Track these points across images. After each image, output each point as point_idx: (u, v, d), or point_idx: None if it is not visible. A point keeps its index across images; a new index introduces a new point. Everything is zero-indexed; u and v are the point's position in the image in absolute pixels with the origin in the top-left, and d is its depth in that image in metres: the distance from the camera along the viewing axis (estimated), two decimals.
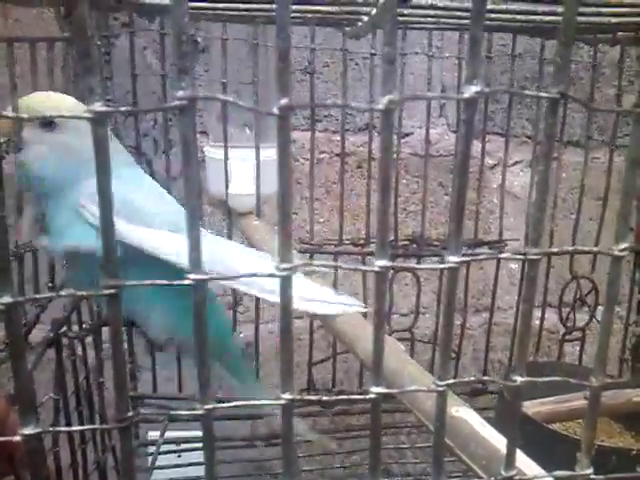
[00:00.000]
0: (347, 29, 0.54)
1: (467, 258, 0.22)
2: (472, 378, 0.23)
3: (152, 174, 0.72)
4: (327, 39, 0.78)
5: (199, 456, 0.78)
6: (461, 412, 0.32)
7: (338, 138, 0.87)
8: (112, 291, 0.20)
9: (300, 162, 0.87)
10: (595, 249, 0.23)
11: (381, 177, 0.22)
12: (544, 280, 0.81)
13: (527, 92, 0.20)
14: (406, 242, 0.74)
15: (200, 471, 0.76)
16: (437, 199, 0.93)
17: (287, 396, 0.23)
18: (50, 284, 0.53)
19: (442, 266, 0.22)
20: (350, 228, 0.87)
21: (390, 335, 0.76)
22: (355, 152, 0.89)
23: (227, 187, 0.64)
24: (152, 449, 0.75)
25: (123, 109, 0.19)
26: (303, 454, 0.80)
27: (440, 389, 0.24)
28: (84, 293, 0.20)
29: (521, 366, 0.25)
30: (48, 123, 0.41)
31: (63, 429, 0.29)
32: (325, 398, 0.23)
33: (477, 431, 0.30)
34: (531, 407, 0.63)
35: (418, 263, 0.76)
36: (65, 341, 0.48)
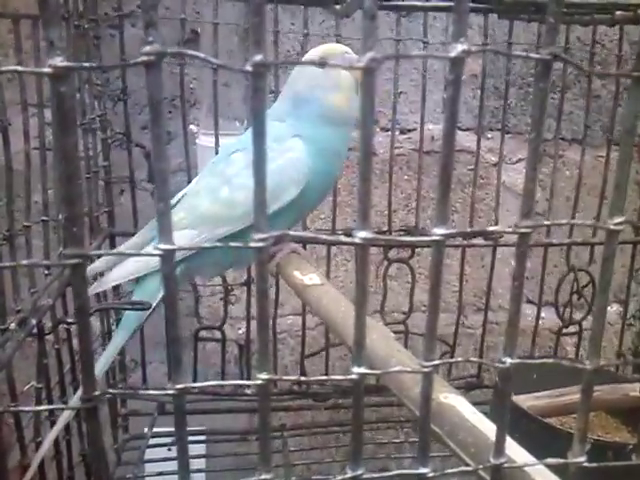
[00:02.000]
0: (337, 7, 0.53)
1: (453, 230, 0.21)
2: (459, 359, 0.22)
3: (150, 166, 0.71)
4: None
5: (191, 449, 0.77)
6: (450, 399, 0.30)
7: None
8: (76, 261, 0.19)
9: None
10: (589, 222, 0.22)
11: (363, 143, 0.21)
12: (540, 275, 0.80)
13: (516, 53, 0.19)
14: (400, 232, 0.73)
15: (191, 465, 0.75)
16: None
17: (264, 376, 0.22)
18: (46, 271, 0.52)
19: (428, 238, 0.21)
20: (354, 225, 0.85)
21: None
22: (358, 147, 0.87)
23: None
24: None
25: (86, 65, 0.18)
26: (295, 448, 0.78)
27: (426, 370, 0.23)
28: (46, 263, 0.19)
29: (511, 348, 0.24)
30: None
31: (26, 409, 0.28)
32: (303, 379, 0.22)
33: (466, 418, 0.29)
34: (526, 401, 0.62)
35: (412, 254, 0.74)
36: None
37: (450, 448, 0.29)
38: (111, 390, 0.39)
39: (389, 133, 0.74)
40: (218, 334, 0.74)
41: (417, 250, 0.82)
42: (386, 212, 0.72)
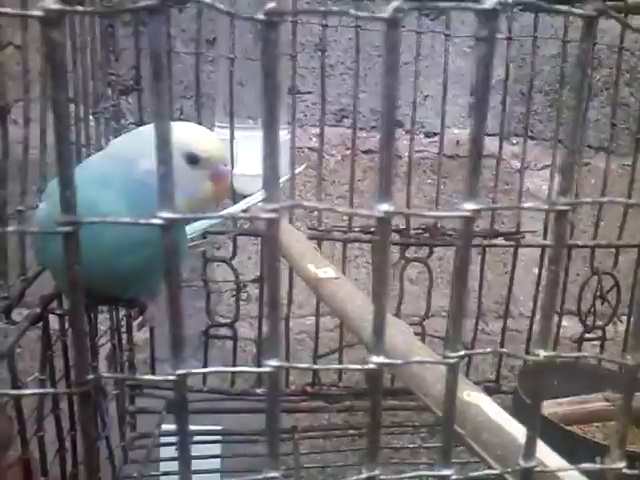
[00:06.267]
0: None
1: (483, 206, 0.19)
2: (488, 350, 0.20)
3: None
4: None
5: (206, 450, 0.75)
6: (473, 397, 0.28)
7: (365, 135, 0.84)
8: (68, 229, 0.18)
9: (325, 158, 0.83)
10: (621, 199, 0.20)
11: (385, 109, 0.19)
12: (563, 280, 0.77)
13: (559, 7, 0.17)
14: (419, 231, 0.71)
15: (200, 464, 0.73)
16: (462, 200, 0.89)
17: (274, 363, 0.20)
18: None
19: (455, 214, 0.19)
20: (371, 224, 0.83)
21: None
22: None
23: (232, 168, 0.62)
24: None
25: (80, 9, 0.16)
26: (307, 451, 0.76)
27: (451, 361, 0.21)
28: (34, 230, 0.17)
29: (544, 340, 0.22)
30: (194, 159, 0.40)
31: (11, 392, 0.26)
32: (316, 367, 0.20)
33: (491, 418, 0.27)
34: (547, 407, 0.60)
35: (430, 253, 0.72)
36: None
37: (474, 450, 0.27)
38: (105, 374, 0.37)
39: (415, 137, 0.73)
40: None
41: (438, 255, 0.79)
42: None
